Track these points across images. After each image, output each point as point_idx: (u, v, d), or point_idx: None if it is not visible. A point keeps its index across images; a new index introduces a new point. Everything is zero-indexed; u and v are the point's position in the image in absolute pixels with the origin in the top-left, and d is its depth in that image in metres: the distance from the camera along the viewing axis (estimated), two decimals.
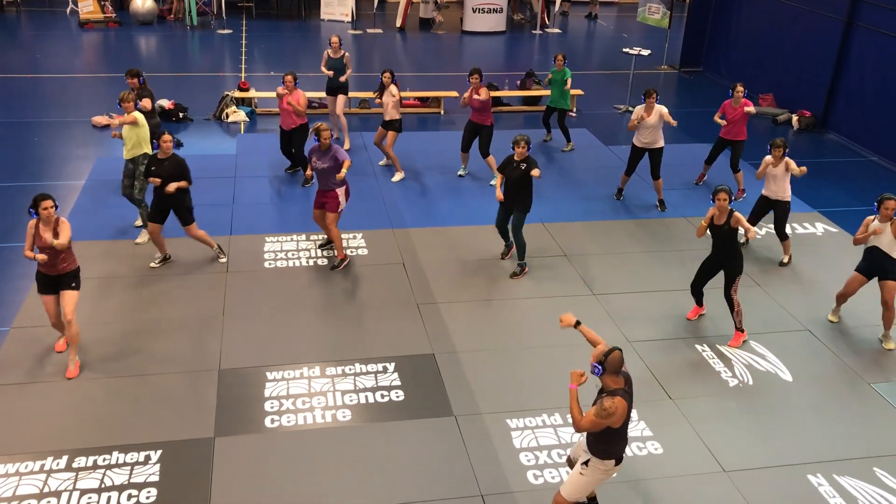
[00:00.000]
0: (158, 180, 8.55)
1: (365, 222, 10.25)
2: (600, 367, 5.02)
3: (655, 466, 6.39)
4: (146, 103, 10.00)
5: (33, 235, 6.99)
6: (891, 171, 12.87)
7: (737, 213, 7.66)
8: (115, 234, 9.76)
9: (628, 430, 5.26)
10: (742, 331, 8.05)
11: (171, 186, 8.53)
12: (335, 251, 9.34)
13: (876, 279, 8.02)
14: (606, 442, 5.17)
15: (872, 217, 7.92)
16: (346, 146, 12.68)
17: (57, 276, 7.15)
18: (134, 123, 9.22)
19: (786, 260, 9.69)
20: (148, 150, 9.31)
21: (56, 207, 6.96)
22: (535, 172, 8.64)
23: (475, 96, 11.13)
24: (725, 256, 7.89)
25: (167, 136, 8.66)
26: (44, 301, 7.26)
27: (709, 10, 18.25)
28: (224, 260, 9.22)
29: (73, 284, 7.23)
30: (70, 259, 7.17)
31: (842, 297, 8.35)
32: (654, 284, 9.11)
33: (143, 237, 9.58)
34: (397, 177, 11.72)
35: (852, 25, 13.85)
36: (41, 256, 6.94)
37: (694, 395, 7.24)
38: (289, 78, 10.89)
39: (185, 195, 8.80)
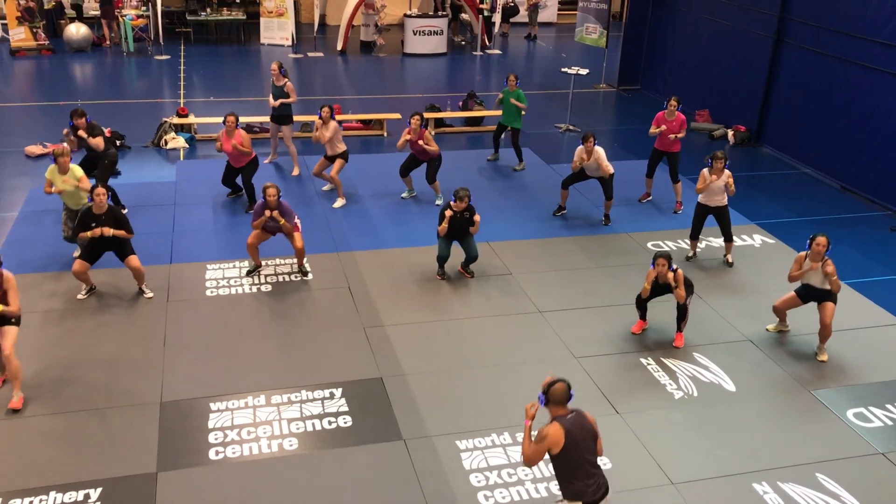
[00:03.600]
0: (98, 231, 8.43)
1: (309, 247, 10.12)
2: (543, 397, 5.16)
3: None
4: (99, 142, 10.32)
5: None
6: (822, 182, 13.26)
7: (679, 272, 8.02)
8: (48, 265, 9.49)
9: (588, 468, 5.14)
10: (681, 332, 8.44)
11: (109, 232, 8.44)
12: (300, 263, 9.57)
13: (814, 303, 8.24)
14: (564, 478, 5.17)
15: (804, 254, 8.08)
16: (295, 172, 12.64)
17: None
18: (77, 186, 9.15)
19: (730, 259, 10.16)
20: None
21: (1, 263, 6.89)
22: (473, 230, 9.32)
23: (426, 147, 11.18)
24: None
25: (100, 190, 8.43)
26: None
27: (644, 30, 18.66)
28: (151, 295, 8.94)
29: (13, 320, 7.04)
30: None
31: (777, 311, 8.53)
32: (598, 300, 9.19)
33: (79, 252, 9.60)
34: (339, 203, 11.63)
35: (781, 42, 14.29)
36: None
37: (640, 409, 7.30)
38: (230, 119, 10.76)
39: (125, 241, 8.69)
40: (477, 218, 9.29)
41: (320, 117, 11.25)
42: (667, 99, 11.35)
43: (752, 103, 15.03)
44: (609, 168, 10.79)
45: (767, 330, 8.65)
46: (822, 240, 7.88)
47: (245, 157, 10.91)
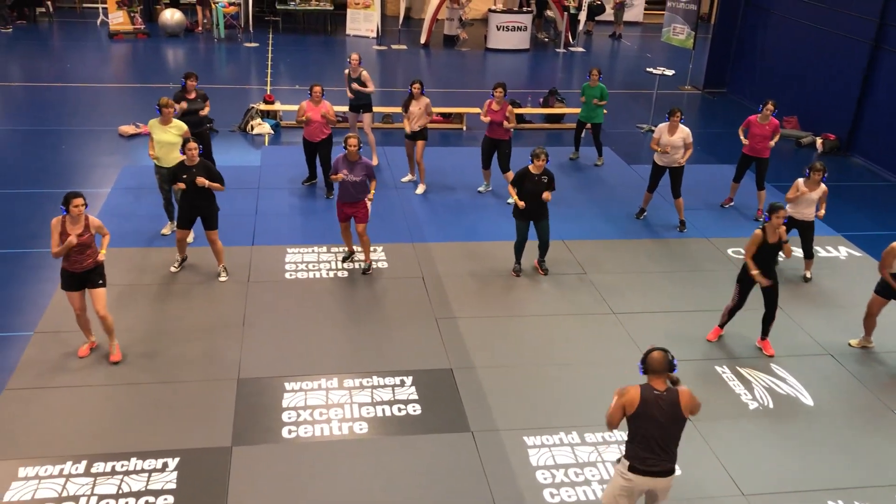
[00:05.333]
0: (182, 185, 8.65)
1: (385, 236, 10.28)
2: (641, 366, 5.17)
3: (673, 488, 6.30)
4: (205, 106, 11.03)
5: (59, 233, 7.10)
6: None
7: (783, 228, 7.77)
8: (137, 241, 9.86)
9: (653, 445, 5.16)
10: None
11: (205, 182, 8.63)
12: (364, 257, 9.49)
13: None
14: (629, 438, 5.24)
15: None
16: (375, 163, 12.73)
17: (83, 273, 7.27)
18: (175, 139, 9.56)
19: (808, 275, 9.81)
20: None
21: (86, 206, 7.13)
22: (546, 196, 9.03)
23: (492, 108, 11.13)
24: (772, 273, 7.92)
25: (192, 144, 8.74)
26: (69, 297, 7.39)
27: (734, 32, 18.23)
28: (225, 279, 9.14)
29: (101, 281, 7.39)
30: (95, 254, 7.31)
31: (868, 321, 8.24)
32: (673, 305, 9.06)
33: (169, 228, 10.05)
34: (420, 189, 11.78)
35: (879, 49, 13.77)
36: (73, 239, 7.02)
37: (713, 418, 7.18)
38: (318, 88, 10.96)
39: (213, 199, 8.92)
40: (547, 196, 9.04)
41: (411, 94, 11.40)
42: (763, 103, 11.00)
43: (844, 111, 14.53)
44: (691, 144, 10.61)
45: (850, 345, 8.38)
46: None
47: (325, 129, 11.12)
